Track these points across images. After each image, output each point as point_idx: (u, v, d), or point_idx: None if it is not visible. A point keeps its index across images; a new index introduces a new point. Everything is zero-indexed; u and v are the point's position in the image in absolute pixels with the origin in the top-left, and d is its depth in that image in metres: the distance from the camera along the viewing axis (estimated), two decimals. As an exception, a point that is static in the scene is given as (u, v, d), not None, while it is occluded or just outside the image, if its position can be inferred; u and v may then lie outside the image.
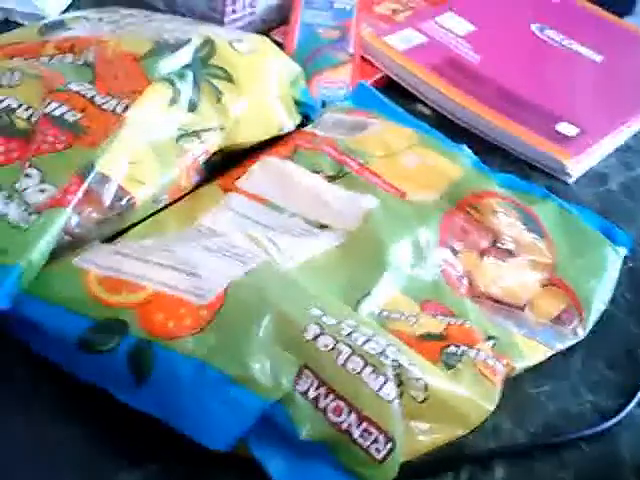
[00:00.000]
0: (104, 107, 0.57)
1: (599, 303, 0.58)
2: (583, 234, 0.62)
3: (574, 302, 0.57)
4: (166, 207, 0.59)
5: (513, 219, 0.60)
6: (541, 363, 0.54)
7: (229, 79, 0.61)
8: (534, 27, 0.87)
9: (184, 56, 0.61)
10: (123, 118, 0.56)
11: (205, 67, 0.61)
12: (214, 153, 0.61)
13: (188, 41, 0.62)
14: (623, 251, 0.62)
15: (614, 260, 0.61)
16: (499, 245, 0.59)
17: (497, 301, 0.57)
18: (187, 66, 0.60)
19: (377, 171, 0.62)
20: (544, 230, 0.61)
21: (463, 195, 0.61)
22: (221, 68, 0.62)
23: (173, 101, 0.58)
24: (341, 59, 0.78)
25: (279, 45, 0.75)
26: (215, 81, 0.61)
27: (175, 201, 0.59)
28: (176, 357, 0.45)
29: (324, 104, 0.72)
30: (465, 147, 0.67)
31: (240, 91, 0.61)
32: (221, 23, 0.79)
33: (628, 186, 0.72)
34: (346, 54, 0.78)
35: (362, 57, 0.80)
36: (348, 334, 0.46)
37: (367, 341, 0.46)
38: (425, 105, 0.77)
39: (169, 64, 0.60)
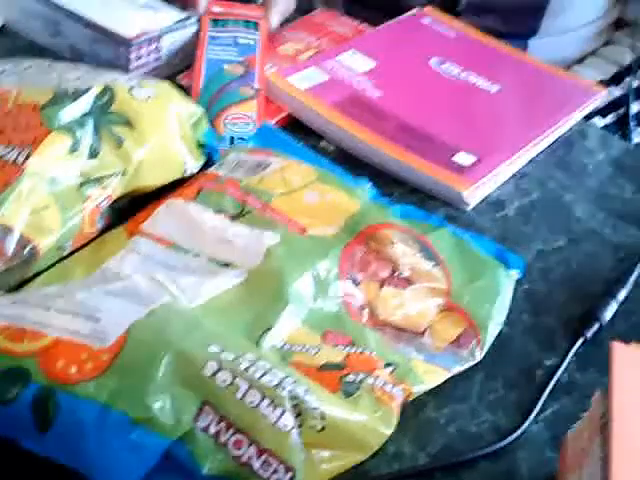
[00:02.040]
0: (5, 158, 0.58)
1: (495, 325, 0.61)
2: (477, 260, 0.64)
3: (470, 326, 0.60)
4: (72, 254, 0.60)
5: (409, 248, 0.63)
6: (442, 387, 0.57)
7: (130, 125, 0.63)
8: (433, 61, 0.90)
9: (84, 104, 0.62)
10: (23, 168, 0.57)
11: (105, 114, 0.63)
12: (120, 198, 0.63)
13: (88, 90, 0.63)
14: (515, 274, 0.65)
15: (507, 283, 0.63)
16: (398, 274, 0.62)
17: (398, 328, 0.59)
18: (87, 114, 0.62)
19: (278, 208, 0.64)
20: (439, 258, 0.63)
21: (361, 228, 0.64)
22: (121, 115, 0.63)
23: (73, 149, 0.60)
24: (247, 94, 0.80)
25: (185, 90, 0.77)
26: (116, 128, 0.62)
27: (81, 247, 0.61)
28: (79, 402, 0.46)
29: (232, 140, 0.74)
30: (365, 181, 0.69)
31: (141, 136, 0.63)
32: (126, 70, 0.80)
33: (524, 211, 0.75)
34: (251, 89, 0.80)
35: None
36: (246, 369, 0.48)
37: (264, 374, 0.48)
38: (328, 141, 0.80)
39: (69, 113, 0.61)
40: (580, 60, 1.25)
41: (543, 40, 1.22)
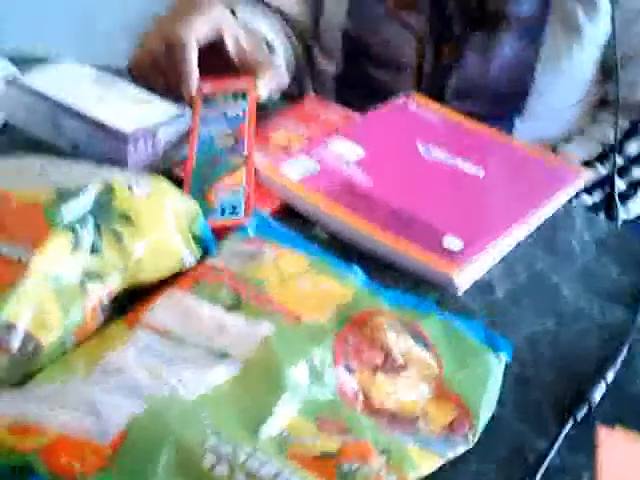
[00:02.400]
0: (9, 257, 0.60)
1: (486, 409, 0.62)
2: (467, 345, 0.66)
3: (463, 410, 0.61)
4: (74, 348, 0.62)
5: (401, 335, 0.65)
6: (436, 472, 0.58)
7: (129, 221, 0.65)
8: (420, 146, 0.93)
9: (85, 202, 0.65)
10: (28, 266, 0.59)
11: (105, 212, 0.65)
12: (120, 292, 0.65)
13: (88, 188, 0.66)
14: (504, 357, 0.66)
15: (497, 367, 0.65)
16: (391, 360, 0.63)
17: (392, 414, 0.61)
18: (88, 212, 0.64)
19: (273, 297, 0.66)
20: (430, 344, 0.65)
21: (354, 315, 0.66)
22: (121, 211, 0.66)
23: (75, 247, 0.62)
24: (236, 163, 0.83)
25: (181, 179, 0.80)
26: (116, 224, 0.65)
27: (83, 341, 0.63)
28: (82, 497, 0.48)
29: (224, 211, 0.77)
30: (357, 268, 0.72)
31: (140, 232, 0.66)
32: (125, 163, 0.83)
33: (513, 293, 0.77)
34: (240, 157, 0.84)
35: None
36: (244, 461, 0.49)
37: (262, 466, 0.49)
38: (321, 228, 0.82)
39: (71, 211, 0.64)
40: (566, 139, 1.29)
41: (529, 122, 1.26)
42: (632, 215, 1.27)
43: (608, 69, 1.27)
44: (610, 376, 0.67)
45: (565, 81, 1.22)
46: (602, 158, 1.23)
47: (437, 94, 1.24)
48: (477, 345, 0.66)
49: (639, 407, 0.66)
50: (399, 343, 0.64)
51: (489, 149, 0.97)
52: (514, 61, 1.20)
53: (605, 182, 1.22)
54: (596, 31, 1.19)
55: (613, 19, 1.14)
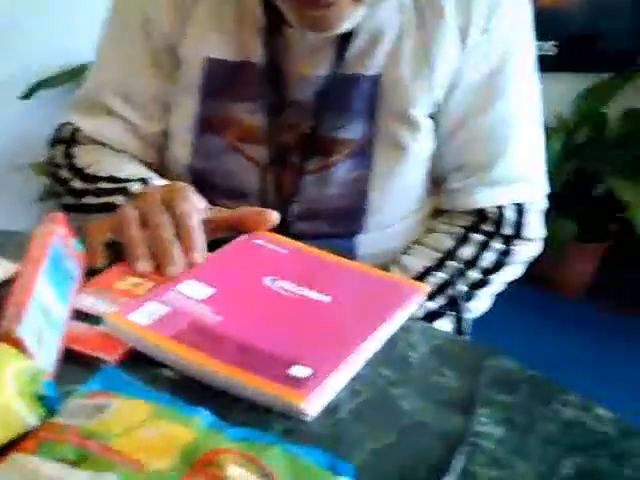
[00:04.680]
0: None
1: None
2: (309, 472, 0.68)
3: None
4: None
5: (245, 470, 0.67)
6: None
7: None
8: (267, 280, 0.97)
9: None
10: None
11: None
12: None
13: None
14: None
15: (340, 490, 0.68)
16: (237, 497, 0.65)
17: None
18: None
19: (117, 448, 0.67)
20: (274, 476, 0.67)
21: (198, 456, 0.67)
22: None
23: None
24: None
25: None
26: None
27: None
28: None
29: None
30: (202, 409, 0.74)
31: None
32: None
33: (357, 412, 0.80)
34: None
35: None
36: None
37: None
38: (170, 369, 0.84)
39: None
40: (405, 250, 1.37)
41: (368, 235, 1.33)
42: (475, 314, 1.35)
43: (437, 180, 1.36)
44: (449, 484, 0.71)
45: (397, 196, 1.30)
46: (440, 265, 1.31)
47: (281, 218, 1.30)
48: (320, 471, 0.69)
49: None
50: (243, 478, 0.66)
51: (334, 275, 1.02)
52: (349, 182, 1.28)
53: (445, 287, 1.29)
54: (420, 148, 1.28)
55: (441, 135, 1.23)
